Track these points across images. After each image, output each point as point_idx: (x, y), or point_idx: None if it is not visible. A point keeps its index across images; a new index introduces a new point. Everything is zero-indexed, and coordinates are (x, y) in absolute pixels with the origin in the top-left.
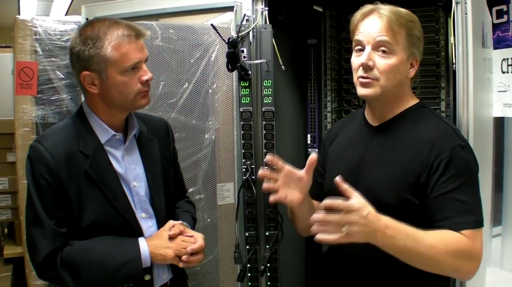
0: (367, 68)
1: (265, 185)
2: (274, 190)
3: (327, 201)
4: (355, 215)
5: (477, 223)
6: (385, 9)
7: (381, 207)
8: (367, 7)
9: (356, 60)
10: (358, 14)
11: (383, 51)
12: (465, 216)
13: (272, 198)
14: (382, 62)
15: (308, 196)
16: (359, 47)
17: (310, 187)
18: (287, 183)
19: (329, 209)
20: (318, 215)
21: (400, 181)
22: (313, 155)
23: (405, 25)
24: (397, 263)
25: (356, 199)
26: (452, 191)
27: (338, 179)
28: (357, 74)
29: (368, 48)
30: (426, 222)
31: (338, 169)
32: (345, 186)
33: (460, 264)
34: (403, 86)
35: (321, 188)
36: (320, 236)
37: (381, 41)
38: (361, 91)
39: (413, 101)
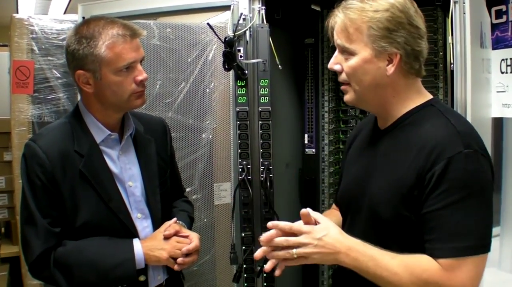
0: (336, 73)
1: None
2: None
3: (270, 223)
4: (305, 237)
5: (464, 251)
6: (342, 9)
7: (379, 223)
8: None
9: None
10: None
11: (346, 53)
12: (449, 241)
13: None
14: (345, 65)
15: None
16: None
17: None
18: None
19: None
20: (262, 237)
21: (396, 195)
22: (303, 211)
23: (368, 20)
24: None
25: (321, 224)
26: (443, 209)
27: (303, 211)
28: None
29: (335, 53)
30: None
31: (347, 179)
32: (306, 212)
33: None
34: (388, 86)
35: None
36: (270, 256)
37: (338, 45)
38: (344, 97)
39: (421, 98)
